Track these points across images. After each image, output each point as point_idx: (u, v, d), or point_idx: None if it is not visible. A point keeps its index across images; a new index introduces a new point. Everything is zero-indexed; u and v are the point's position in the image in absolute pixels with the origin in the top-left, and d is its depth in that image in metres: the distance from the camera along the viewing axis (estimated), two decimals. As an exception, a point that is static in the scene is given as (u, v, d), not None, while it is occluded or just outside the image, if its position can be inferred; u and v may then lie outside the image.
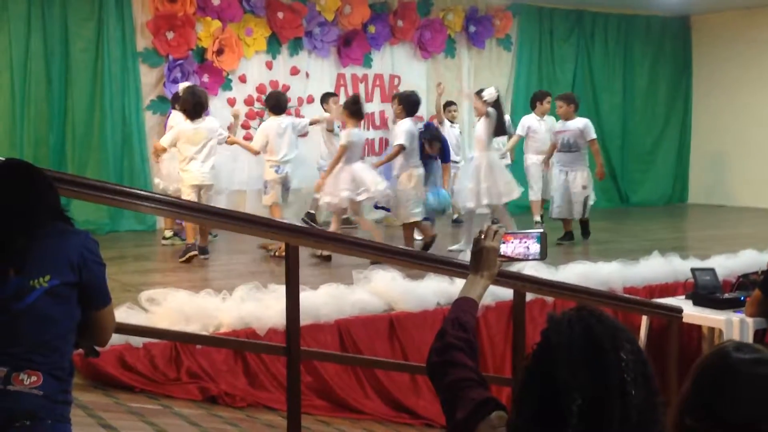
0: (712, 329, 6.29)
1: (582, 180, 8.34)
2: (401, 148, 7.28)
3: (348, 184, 7.05)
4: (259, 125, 8.64)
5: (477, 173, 7.64)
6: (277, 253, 7.02)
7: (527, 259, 2.20)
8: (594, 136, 8.41)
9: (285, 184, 7.74)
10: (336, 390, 4.92)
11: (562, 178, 8.43)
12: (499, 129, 7.76)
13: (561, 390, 1.41)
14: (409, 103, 7.52)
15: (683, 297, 6.13)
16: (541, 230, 2.24)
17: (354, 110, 7.31)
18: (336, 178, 7.11)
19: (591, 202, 8.52)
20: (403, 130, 7.31)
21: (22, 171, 2.28)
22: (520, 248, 2.16)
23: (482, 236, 2.10)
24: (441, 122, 9.26)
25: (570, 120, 8.44)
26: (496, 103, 7.64)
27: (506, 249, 2.13)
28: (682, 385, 1.72)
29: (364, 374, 5.11)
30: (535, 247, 2.16)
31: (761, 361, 1.63)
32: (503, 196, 7.67)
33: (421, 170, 7.51)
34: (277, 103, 7.80)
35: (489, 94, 7.60)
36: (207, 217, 3.66)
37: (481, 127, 7.67)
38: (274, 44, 9.84)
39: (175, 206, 3.65)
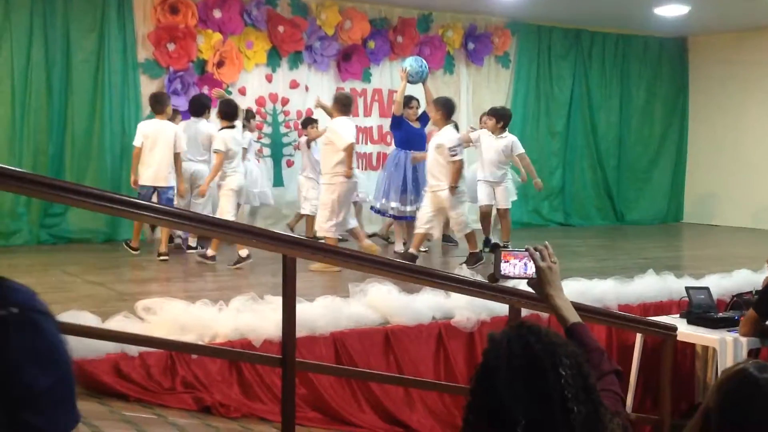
0: (706, 348, 6.31)
1: None
2: (459, 159, 7.31)
3: None
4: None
5: None
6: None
7: (528, 277, 2.17)
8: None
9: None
10: (330, 402, 4.92)
11: None
12: None
13: (504, 412, 1.41)
14: (448, 108, 7.45)
15: (677, 315, 6.14)
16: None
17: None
18: None
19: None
20: (453, 138, 7.33)
21: None
22: (519, 267, 2.14)
23: (540, 257, 2.11)
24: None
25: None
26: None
27: (506, 268, 2.13)
28: (703, 403, 1.78)
29: (358, 387, 5.11)
30: (533, 266, 2.13)
31: None
32: None
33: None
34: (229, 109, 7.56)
35: None
36: (205, 227, 3.67)
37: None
38: (274, 57, 9.90)
39: (174, 216, 3.67)
